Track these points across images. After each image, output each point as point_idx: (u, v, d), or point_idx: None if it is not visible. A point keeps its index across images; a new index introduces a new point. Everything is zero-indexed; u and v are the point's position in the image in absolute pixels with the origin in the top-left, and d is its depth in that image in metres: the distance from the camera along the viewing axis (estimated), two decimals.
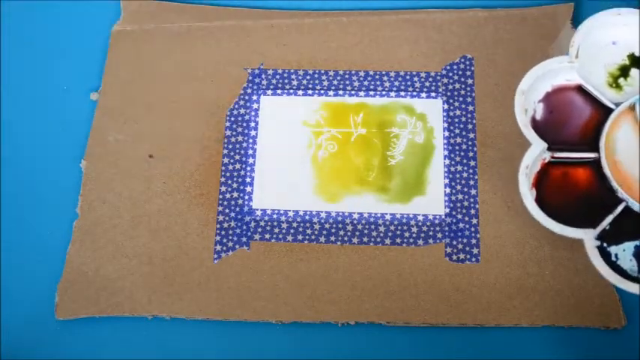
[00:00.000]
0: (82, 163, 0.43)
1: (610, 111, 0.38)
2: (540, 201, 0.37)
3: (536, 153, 0.37)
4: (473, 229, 0.41)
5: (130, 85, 0.45)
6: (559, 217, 0.36)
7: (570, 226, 0.36)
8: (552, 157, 0.38)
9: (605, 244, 0.36)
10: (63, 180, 0.43)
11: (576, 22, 0.44)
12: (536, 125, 0.38)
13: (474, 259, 0.40)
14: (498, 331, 0.39)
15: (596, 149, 0.37)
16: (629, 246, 0.36)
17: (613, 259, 0.36)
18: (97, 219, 0.42)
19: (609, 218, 0.36)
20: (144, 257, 0.41)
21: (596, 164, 0.37)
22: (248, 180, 0.42)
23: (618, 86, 0.39)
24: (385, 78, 0.44)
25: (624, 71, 0.39)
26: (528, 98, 0.38)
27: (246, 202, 0.42)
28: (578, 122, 0.39)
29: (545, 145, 0.37)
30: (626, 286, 0.34)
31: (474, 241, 0.40)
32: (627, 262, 0.36)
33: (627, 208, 0.36)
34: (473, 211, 0.41)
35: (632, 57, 0.39)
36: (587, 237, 0.35)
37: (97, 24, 0.47)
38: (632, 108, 0.38)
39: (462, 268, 0.40)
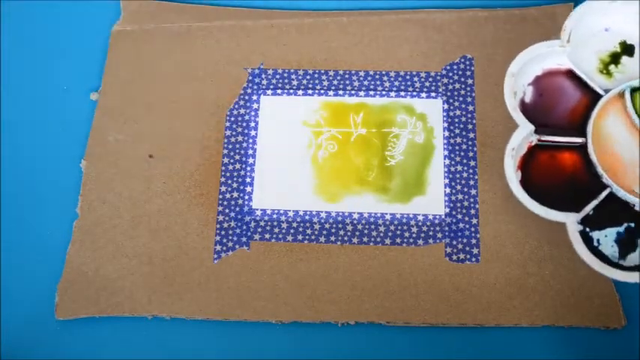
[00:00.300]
0: (82, 163, 0.43)
1: (599, 97, 0.38)
2: (525, 183, 0.37)
3: (523, 135, 0.37)
4: (473, 229, 0.41)
5: (130, 85, 0.45)
6: (543, 201, 0.36)
7: (554, 209, 0.36)
8: (539, 141, 0.38)
9: (587, 229, 0.36)
10: (63, 180, 0.43)
11: None
12: (525, 108, 0.38)
13: (473, 259, 0.40)
14: (498, 331, 0.39)
15: (584, 134, 0.37)
16: (611, 232, 0.36)
17: (595, 244, 0.36)
18: (97, 219, 0.42)
19: (593, 203, 0.36)
20: (144, 257, 0.41)
21: (582, 149, 0.37)
22: (248, 180, 0.42)
23: (608, 73, 0.39)
24: (385, 78, 0.44)
25: (615, 58, 0.39)
26: (518, 81, 0.38)
27: (246, 202, 0.42)
28: (566, 107, 0.38)
29: (532, 127, 0.37)
30: (607, 272, 0.34)
31: (473, 241, 0.40)
32: (609, 247, 0.36)
33: (611, 195, 0.36)
34: (473, 211, 0.41)
35: (623, 44, 0.39)
36: (570, 221, 0.35)
37: (97, 24, 0.47)
38: (621, 95, 0.38)
39: (462, 268, 0.40)
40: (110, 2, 0.48)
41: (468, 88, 0.44)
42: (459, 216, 0.41)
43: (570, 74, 0.39)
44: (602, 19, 0.39)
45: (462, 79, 0.44)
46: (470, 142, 0.43)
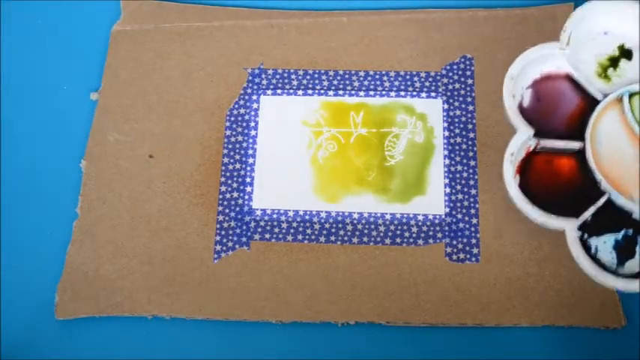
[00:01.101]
0: (82, 163, 0.43)
1: (597, 102, 0.38)
2: (523, 188, 0.36)
3: (522, 140, 0.37)
4: (473, 229, 0.41)
5: (130, 85, 0.45)
6: (541, 206, 0.36)
7: (552, 215, 0.35)
8: (538, 145, 0.37)
9: (585, 236, 0.36)
10: (63, 180, 0.43)
11: None
12: (522, 112, 0.38)
13: (473, 259, 0.40)
14: (498, 331, 0.39)
15: (582, 139, 0.37)
16: (609, 239, 0.36)
17: (593, 251, 0.35)
18: (97, 219, 0.42)
19: (591, 210, 0.36)
20: (144, 257, 0.41)
21: (581, 154, 0.37)
22: (248, 180, 0.42)
23: (607, 77, 0.39)
24: (385, 78, 0.44)
25: (614, 62, 0.39)
26: (517, 84, 0.38)
27: (246, 202, 0.42)
28: (565, 111, 0.38)
29: (531, 131, 0.37)
30: (605, 280, 0.34)
31: (473, 241, 0.40)
32: (607, 254, 0.35)
33: (610, 201, 0.36)
34: (473, 211, 0.41)
35: (622, 48, 0.39)
36: (569, 227, 0.35)
37: (97, 24, 0.47)
38: (619, 100, 0.38)
39: (462, 268, 0.40)
40: (110, 2, 0.48)
41: (468, 88, 0.44)
42: (459, 216, 0.41)
43: (568, 78, 0.39)
44: (601, 21, 0.39)
45: (462, 79, 0.44)
46: (470, 142, 0.43)
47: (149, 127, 0.44)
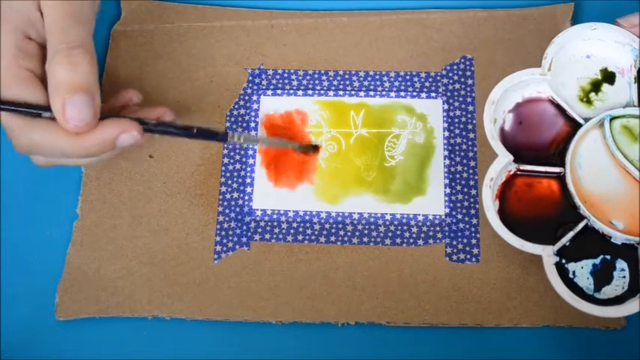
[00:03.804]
0: None
1: (579, 126, 0.38)
2: (503, 212, 0.37)
3: (502, 165, 0.37)
4: (473, 229, 0.41)
5: (130, 85, 0.45)
6: (520, 229, 0.36)
7: (531, 239, 0.36)
8: (518, 170, 0.38)
9: (563, 261, 0.36)
10: (63, 180, 0.43)
11: (576, 22, 0.44)
12: (504, 135, 0.39)
13: (474, 259, 0.40)
14: (498, 331, 0.39)
15: (563, 163, 0.37)
16: (587, 264, 0.36)
17: (570, 276, 0.36)
18: (97, 219, 0.42)
19: (570, 235, 0.36)
20: (144, 257, 0.41)
21: (561, 179, 0.38)
22: (248, 180, 0.42)
23: (589, 101, 0.39)
24: (385, 78, 0.44)
25: (596, 86, 0.39)
26: (498, 108, 0.38)
27: (246, 202, 0.42)
28: (546, 135, 0.39)
29: (511, 157, 0.37)
30: (580, 306, 0.34)
31: (474, 241, 0.40)
32: (584, 280, 0.36)
33: (588, 226, 0.36)
34: (473, 211, 0.41)
35: (604, 72, 0.39)
36: (546, 254, 0.35)
37: (97, 24, 0.47)
38: (600, 124, 0.38)
39: (462, 268, 0.40)
40: (110, 2, 0.48)
41: (468, 89, 0.44)
42: (459, 216, 0.41)
43: (550, 102, 0.39)
44: (583, 45, 0.39)
45: (462, 80, 0.44)
46: (470, 142, 0.43)
47: None
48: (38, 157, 0.37)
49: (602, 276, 0.36)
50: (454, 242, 0.40)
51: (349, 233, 0.41)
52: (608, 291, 0.35)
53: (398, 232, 0.41)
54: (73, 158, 0.36)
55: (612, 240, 0.36)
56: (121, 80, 0.45)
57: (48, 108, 0.34)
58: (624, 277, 0.36)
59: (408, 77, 0.44)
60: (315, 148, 0.42)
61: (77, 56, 0.33)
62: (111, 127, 0.34)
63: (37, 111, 0.34)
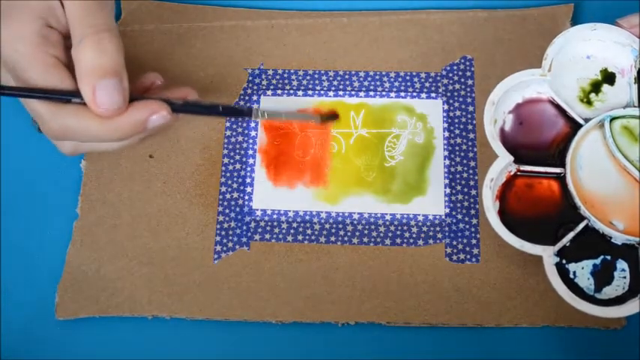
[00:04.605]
0: (82, 163, 0.43)
1: (579, 126, 0.38)
2: (503, 212, 0.37)
3: (502, 166, 0.37)
4: (473, 229, 0.41)
5: (130, 85, 0.45)
6: (520, 230, 0.36)
7: (531, 239, 0.36)
8: (518, 170, 0.38)
9: (564, 261, 0.36)
10: (63, 180, 0.43)
11: (576, 22, 0.44)
12: (504, 136, 0.39)
13: (473, 259, 0.40)
14: (498, 331, 0.39)
15: (563, 164, 0.37)
16: (587, 264, 0.36)
17: (571, 276, 0.36)
18: (97, 219, 0.42)
19: (570, 235, 0.36)
20: (144, 257, 0.41)
21: (561, 179, 0.37)
22: (248, 180, 0.42)
23: (589, 101, 0.39)
24: (385, 78, 0.44)
25: (596, 87, 0.39)
26: (498, 108, 0.38)
27: (246, 202, 0.42)
28: (546, 136, 0.39)
29: (511, 158, 0.37)
30: (581, 306, 0.34)
31: (474, 241, 0.40)
32: (585, 280, 0.36)
33: (588, 227, 0.36)
34: (473, 211, 0.41)
35: (604, 72, 0.39)
36: (546, 254, 0.35)
37: None
38: (600, 125, 0.38)
39: (462, 268, 0.40)
40: None
41: (468, 89, 0.44)
42: (459, 216, 0.41)
43: (551, 103, 0.39)
44: (583, 46, 0.39)
45: (462, 80, 0.44)
46: (470, 143, 0.43)
47: None
48: (65, 144, 0.37)
49: (603, 276, 0.36)
50: (454, 242, 0.40)
51: (349, 233, 0.41)
52: (609, 291, 0.35)
53: (398, 232, 0.41)
54: (105, 142, 0.36)
55: (612, 240, 0.36)
56: None
57: (77, 94, 0.34)
58: (625, 277, 0.36)
59: (408, 77, 0.44)
60: (335, 116, 0.42)
61: (104, 40, 0.33)
62: (141, 109, 0.34)
63: (67, 97, 0.34)
